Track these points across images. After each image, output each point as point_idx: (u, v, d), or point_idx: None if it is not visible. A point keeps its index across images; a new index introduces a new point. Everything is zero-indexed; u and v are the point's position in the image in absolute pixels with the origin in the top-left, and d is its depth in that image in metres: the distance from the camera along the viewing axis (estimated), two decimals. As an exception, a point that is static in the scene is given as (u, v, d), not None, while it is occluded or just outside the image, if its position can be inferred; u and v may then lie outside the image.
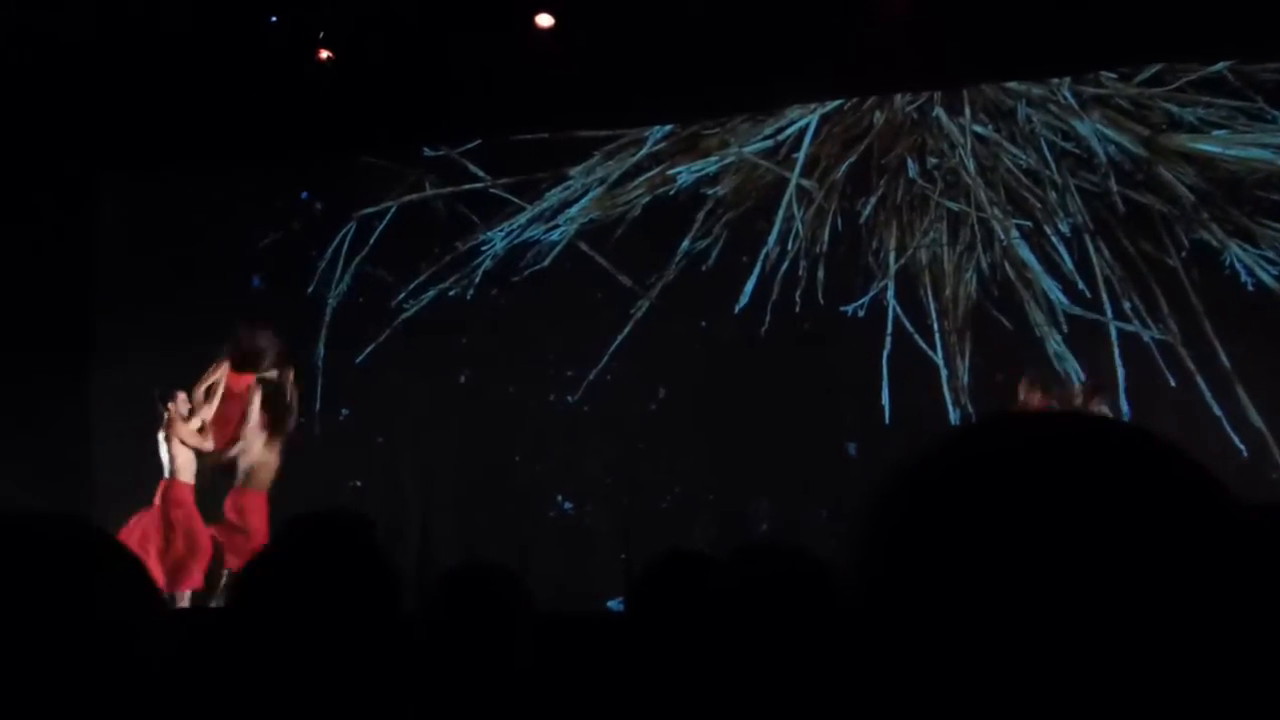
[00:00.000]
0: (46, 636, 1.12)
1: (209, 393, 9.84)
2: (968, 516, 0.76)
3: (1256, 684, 0.74)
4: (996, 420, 0.83)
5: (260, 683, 1.68)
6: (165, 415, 9.68)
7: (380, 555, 1.81)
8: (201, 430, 9.74)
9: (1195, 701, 0.72)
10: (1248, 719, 0.73)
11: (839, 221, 9.31)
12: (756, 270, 9.29)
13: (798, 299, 9.18)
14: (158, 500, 9.57)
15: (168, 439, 9.67)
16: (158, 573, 8.99)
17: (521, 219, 9.93)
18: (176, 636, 1.21)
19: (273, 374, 9.94)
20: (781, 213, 9.41)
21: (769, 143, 9.54)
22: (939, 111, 9.24)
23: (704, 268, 9.47)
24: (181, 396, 9.74)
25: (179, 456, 9.64)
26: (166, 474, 9.63)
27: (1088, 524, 0.74)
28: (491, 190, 10.03)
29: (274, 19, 9.34)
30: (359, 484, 9.95)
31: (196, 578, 9.42)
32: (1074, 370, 8.71)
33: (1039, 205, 8.98)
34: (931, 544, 0.77)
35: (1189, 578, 0.73)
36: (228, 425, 9.83)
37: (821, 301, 9.18)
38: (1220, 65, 8.60)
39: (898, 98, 9.32)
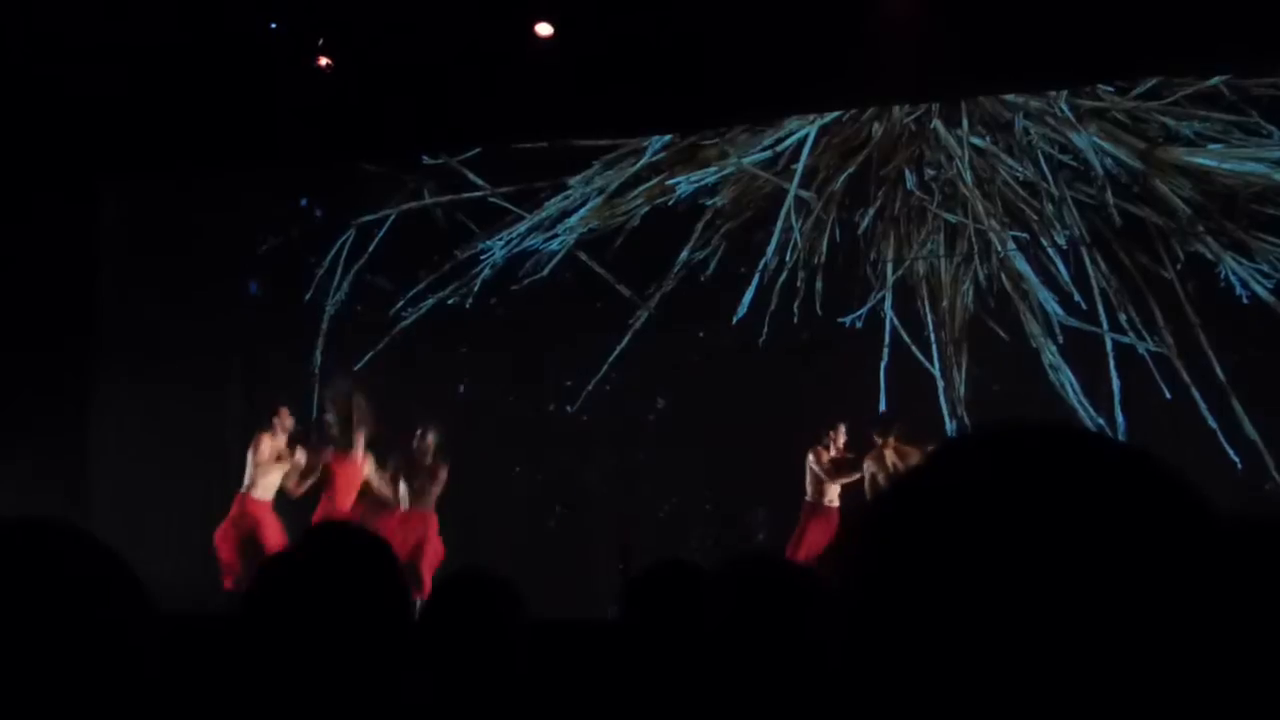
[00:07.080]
0: (24, 635, 1.13)
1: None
2: (958, 534, 0.77)
3: (1241, 698, 0.75)
4: (988, 435, 0.84)
5: (267, 691, 1.69)
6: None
7: (399, 577, 1.82)
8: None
9: (1179, 714, 0.74)
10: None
11: (837, 232, 9.33)
12: (755, 281, 9.32)
13: (796, 309, 9.20)
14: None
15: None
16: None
17: (521, 228, 9.94)
18: (163, 637, 1.21)
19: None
20: (780, 223, 9.43)
21: (768, 153, 9.56)
22: (937, 123, 9.27)
23: (702, 278, 9.49)
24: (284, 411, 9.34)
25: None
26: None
27: (1071, 542, 0.76)
28: (491, 199, 10.04)
29: (275, 26, 9.35)
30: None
31: None
32: (1069, 381, 8.73)
33: (1036, 217, 9.00)
34: (922, 561, 0.78)
35: (1170, 595, 0.75)
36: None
37: (819, 312, 9.20)
38: (1216, 80, 8.63)
39: (896, 109, 9.34)
